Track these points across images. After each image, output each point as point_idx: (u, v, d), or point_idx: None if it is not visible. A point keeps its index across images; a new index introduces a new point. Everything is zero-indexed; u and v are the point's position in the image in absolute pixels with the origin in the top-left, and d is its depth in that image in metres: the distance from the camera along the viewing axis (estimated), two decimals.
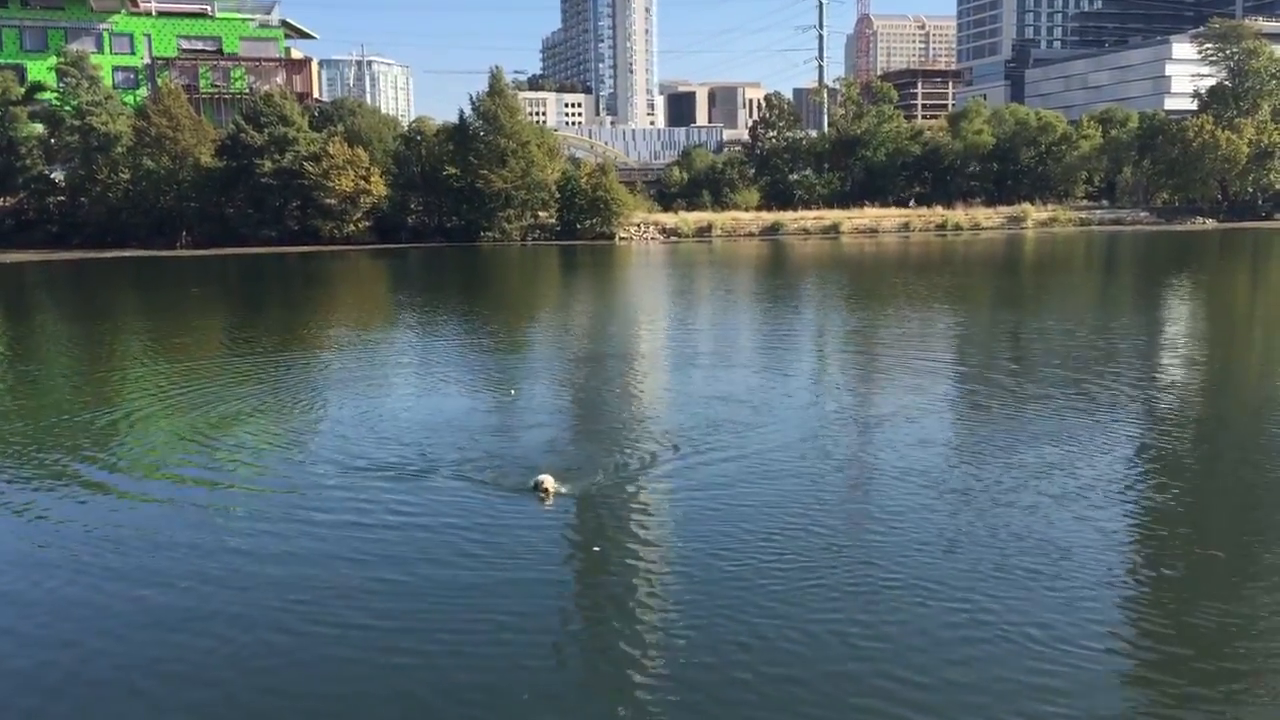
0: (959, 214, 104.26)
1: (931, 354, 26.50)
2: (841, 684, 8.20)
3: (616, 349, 29.10)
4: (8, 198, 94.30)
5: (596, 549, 11.72)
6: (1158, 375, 23.02)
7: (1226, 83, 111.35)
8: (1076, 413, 18.71)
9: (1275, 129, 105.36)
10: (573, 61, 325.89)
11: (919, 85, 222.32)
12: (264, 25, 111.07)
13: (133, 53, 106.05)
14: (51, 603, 10.94)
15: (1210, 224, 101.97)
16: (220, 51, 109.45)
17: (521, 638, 9.52)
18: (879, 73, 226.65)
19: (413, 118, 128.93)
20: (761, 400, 20.13)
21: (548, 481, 14.30)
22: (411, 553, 11.76)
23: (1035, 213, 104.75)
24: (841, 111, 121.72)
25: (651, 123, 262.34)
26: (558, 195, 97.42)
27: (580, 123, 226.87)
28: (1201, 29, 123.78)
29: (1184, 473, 14.99)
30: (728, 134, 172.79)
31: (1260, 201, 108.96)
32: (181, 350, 29.90)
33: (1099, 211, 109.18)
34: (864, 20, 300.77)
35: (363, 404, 21.06)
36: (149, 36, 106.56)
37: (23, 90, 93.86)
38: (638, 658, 8.88)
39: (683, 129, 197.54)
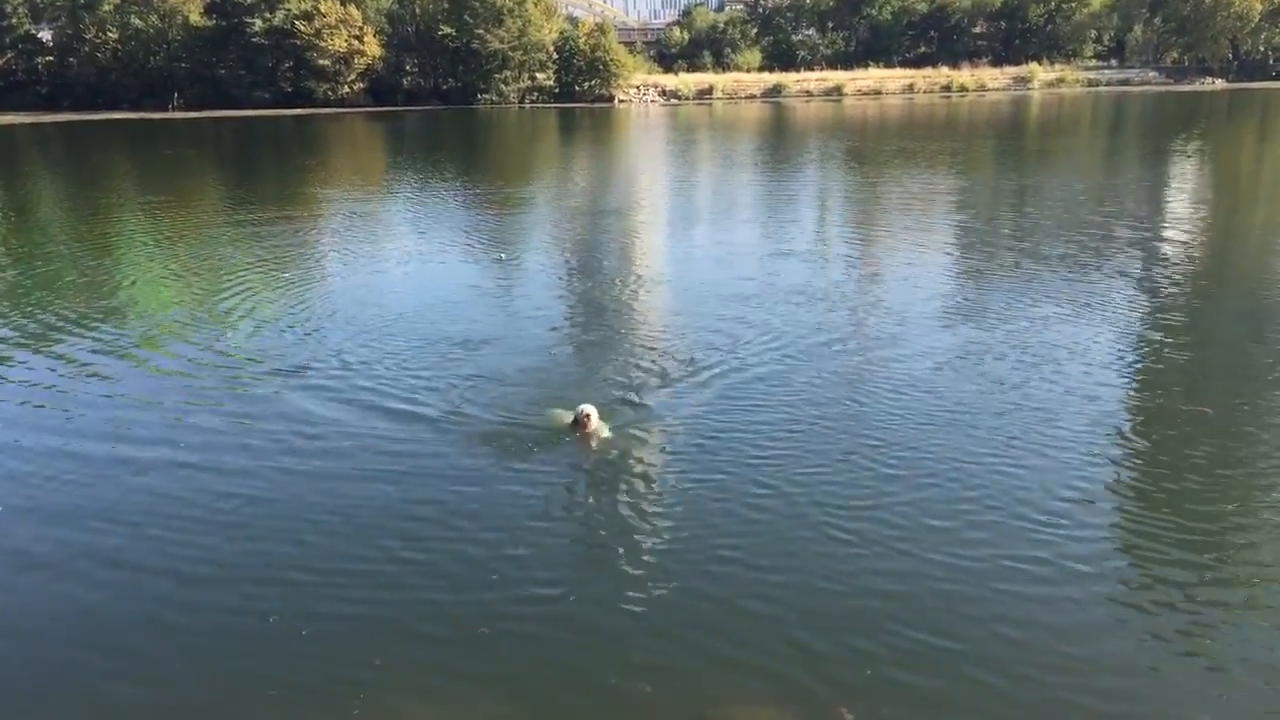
0: (964, 75, 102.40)
1: (932, 218, 26.55)
2: (861, 577, 8.27)
3: (617, 218, 29.06)
4: None
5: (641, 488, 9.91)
6: (1158, 237, 23.10)
7: None
8: (1077, 276, 18.89)
9: None
10: None
11: None
12: None
13: None
14: None
15: (1219, 84, 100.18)
16: None
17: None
18: None
19: None
20: (769, 274, 19.58)
21: (592, 417, 10.84)
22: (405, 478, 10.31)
23: (1042, 73, 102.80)
24: None
25: None
26: (555, 56, 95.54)
27: None
28: None
29: (1182, 333, 15.24)
30: None
31: (1271, 61, 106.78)
32: (164, 217, 29.75)
33: (1107, 72, 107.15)
34: None
35: (357, 279, 20.39)
36: None
37: None
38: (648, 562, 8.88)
39: None
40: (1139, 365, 13.61)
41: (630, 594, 7.95)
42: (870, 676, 6.85)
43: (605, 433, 10.79)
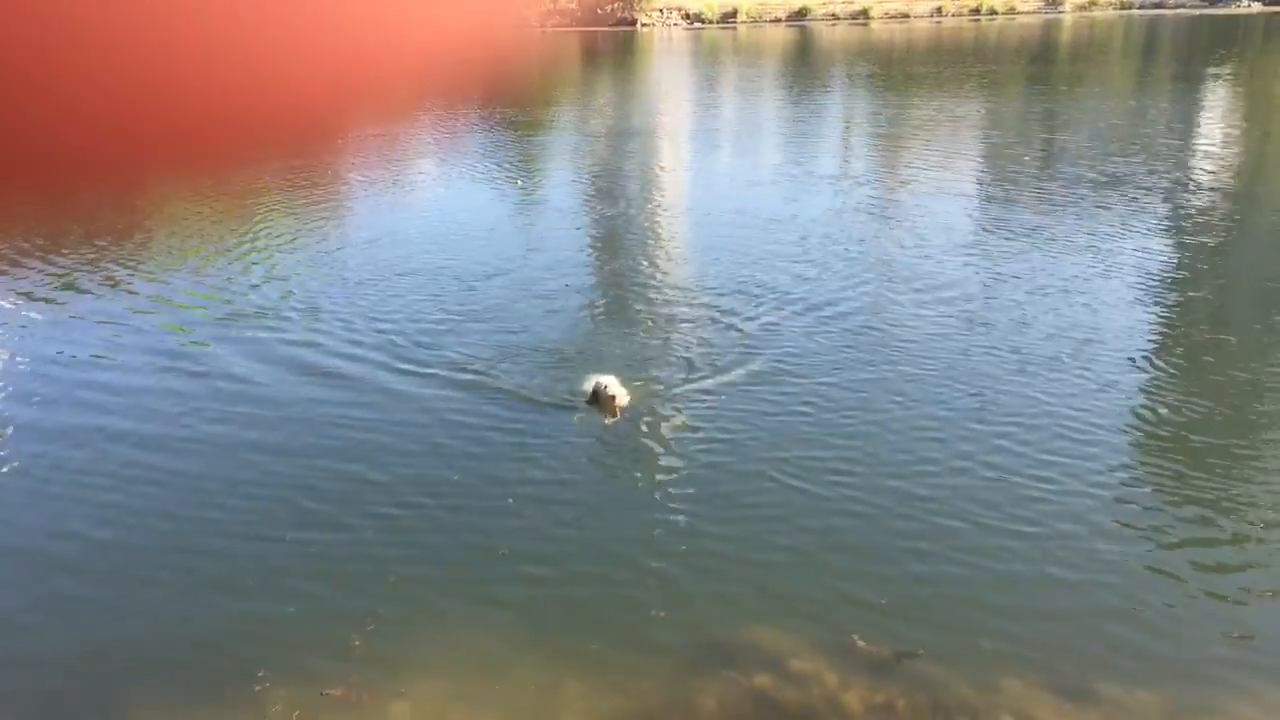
0: None
1: (957, 144, 26.30)
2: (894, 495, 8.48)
3: (638, 146, 28.78)
4: None
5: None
6: (1187, 164, 22.75)
7: None
8: (1104, 203, 18.72)
9: None
10: None
11: None
12: None
13: None
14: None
15: (1255, 7, 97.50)
16: None
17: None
18: None
19: None
20: (794, 206, 19.28)
21: (612, 388, 10.09)
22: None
23: None
24: None
25: None
26: None
27: None
28: None
29: (1208, 261, 15.11)
30: None
31: None
32: None
33: None
34: None
35: (362, 207, 20.07)
36: None
37: None
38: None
39: None
40: (1163, 293, 13.55)
41: (650, 530, 8.11)
42: (886, 605, 6.96)
43: (624, 399, 10.16)
